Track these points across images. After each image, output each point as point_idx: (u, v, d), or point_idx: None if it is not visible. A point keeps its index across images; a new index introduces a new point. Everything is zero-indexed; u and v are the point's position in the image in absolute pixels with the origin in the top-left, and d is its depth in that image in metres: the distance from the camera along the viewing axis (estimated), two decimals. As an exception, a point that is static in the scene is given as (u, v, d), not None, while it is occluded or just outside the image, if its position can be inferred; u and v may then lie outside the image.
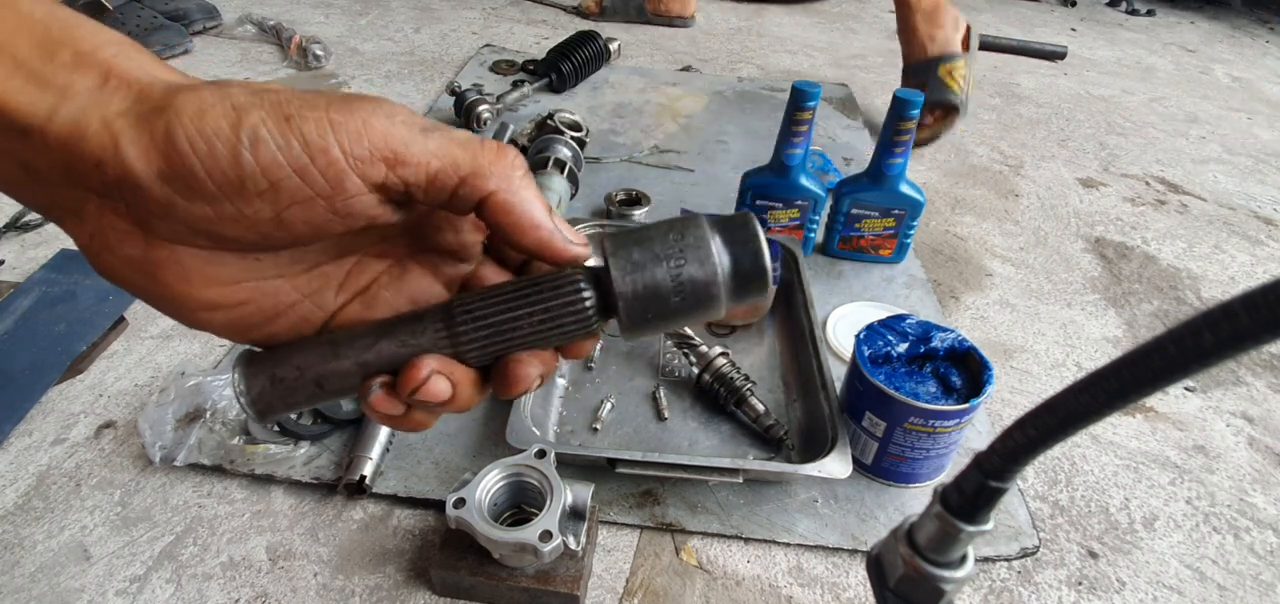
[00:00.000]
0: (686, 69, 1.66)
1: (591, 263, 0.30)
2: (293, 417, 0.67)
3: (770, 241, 0.86)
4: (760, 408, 0.71)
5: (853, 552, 0.63)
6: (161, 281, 0.26)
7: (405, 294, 0.32)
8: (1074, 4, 2.53)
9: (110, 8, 1.40)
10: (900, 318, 0.70)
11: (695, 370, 0.75)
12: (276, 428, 0.67)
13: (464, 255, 0.33)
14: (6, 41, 0.23)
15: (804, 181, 0.92)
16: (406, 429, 0.30)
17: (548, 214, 0.28)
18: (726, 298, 0.29)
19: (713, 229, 0.29)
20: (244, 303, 0.28)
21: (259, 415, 0.29)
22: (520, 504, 0.58)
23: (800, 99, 0.86)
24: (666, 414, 0.74)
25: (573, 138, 1.13)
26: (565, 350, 0.31)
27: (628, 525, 0.64)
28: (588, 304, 0.29)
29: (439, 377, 0.28)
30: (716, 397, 0.74)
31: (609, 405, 0.74)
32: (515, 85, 1.39)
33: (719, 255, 0.29)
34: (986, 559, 0.63)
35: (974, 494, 0.29)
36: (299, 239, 0.27)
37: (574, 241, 0.29)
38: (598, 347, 0.80)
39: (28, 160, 0.24)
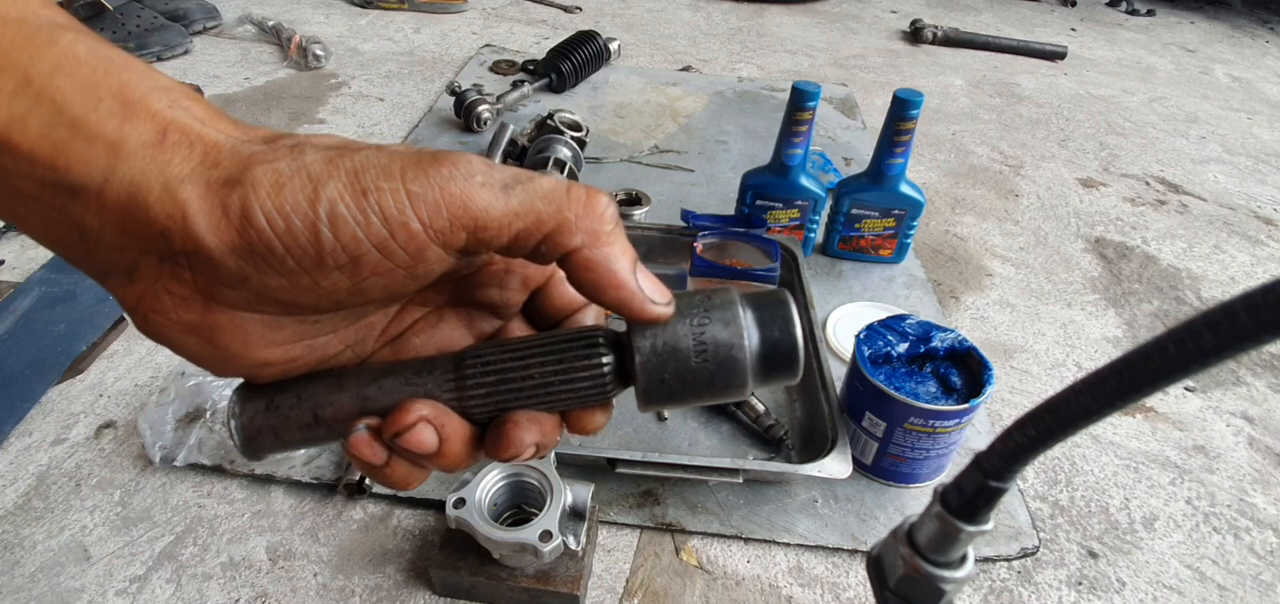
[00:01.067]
0: (686, 69, 1.66)
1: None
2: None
3: (770, 241, 0.86)
4: (760, 408, 0.71)
5: (853, 552, 0.63)
6: (219, 345, 0.25)
7: (435, 342, 0.31)
8: (1074, 4, 2.53)
9: (110, 8, 1.39)
10: (900, 318, 0.70)
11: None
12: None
13: (502, 311, 0.32)
14: (46, 84, 0.21)
15: (804, 181, 0.92)
16: (388, 483, 0.28)
17: (631, 270, 0.27)
18: (753, 369, 0.27)
19: (744, 301, 0.28)
20: (296, 359, 0.27)
21: (247, 443, 0.28)
22: (520, 504, 0.59)
23: (800, 99, 0.86)
24: (666, 414, 0.74)
25: (573, 138, 1.13)
26: (573, 421, 0.30)
27: (628, 525, 0.64)
28: (605, 365, 0.28)
29: (426, 425, 0.27)
30: (716, 397, 0.73)
31: (609, 405, 0.74)
32: (515, 85, 1.39)
33: (747, 323, 0.27)
34: (987, 559, 0.63)
35: (974, 494, 0.28)
36: (372, 302, 0.26)
37: (656, 301, 0.27)
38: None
39: (79, 220, 0.22)
